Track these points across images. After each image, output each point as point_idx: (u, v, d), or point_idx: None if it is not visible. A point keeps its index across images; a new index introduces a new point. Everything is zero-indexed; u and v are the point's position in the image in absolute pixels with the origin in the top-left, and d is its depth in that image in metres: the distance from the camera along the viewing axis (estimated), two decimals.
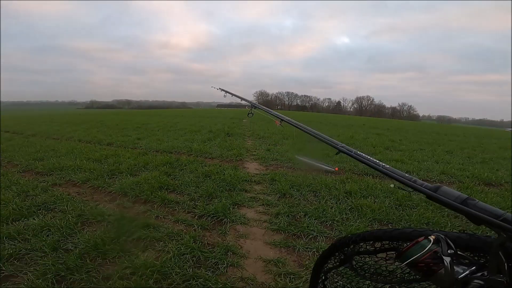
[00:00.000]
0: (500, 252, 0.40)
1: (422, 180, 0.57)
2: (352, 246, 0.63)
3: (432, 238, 0.43)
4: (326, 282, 0.72)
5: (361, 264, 0.64)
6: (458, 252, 0.43)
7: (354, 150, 0.72)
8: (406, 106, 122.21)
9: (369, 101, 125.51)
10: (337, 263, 0.67)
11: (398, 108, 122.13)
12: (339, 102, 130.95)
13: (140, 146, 6.38)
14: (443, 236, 0.44)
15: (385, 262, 0.59)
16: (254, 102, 1.52)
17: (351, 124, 16.30)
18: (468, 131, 20.45)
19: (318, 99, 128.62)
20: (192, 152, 5.60)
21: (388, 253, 0.57)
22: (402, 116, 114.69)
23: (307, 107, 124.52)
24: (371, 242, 0.60)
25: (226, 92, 1.95)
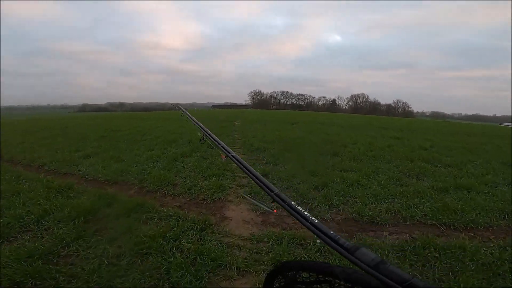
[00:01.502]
0: None
1: None
2: (293, 272, 0.63)
3: None
4: None
5: None
6: None
7: (288, 200, 0.68)
8: (401, 103, 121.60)
9: (364, 99, 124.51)
10: (282, 284, 0.68)
11: (393, 105, 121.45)
12: (334, 100, 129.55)
13: (78, 171, 4.33)
14: None
15: None
16: (206, 128, 1.34)
17: (357, 125, 14.38)
18: (476, 128, 18.70)
19: (313, 98, 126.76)
20: (146, 183, 3.57)
21: (322, 285, 0.58)
22: (397, 113, 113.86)
23: (302, 106, 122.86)
24: (307, 273, 0.60)
25: (183, 111, 1.88)
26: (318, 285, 0.59)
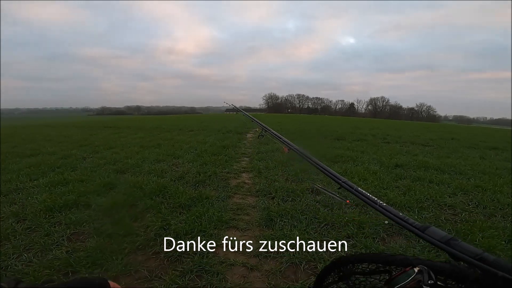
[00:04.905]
0: (474, 285, 0.44)
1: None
2: (350, 265, 0.62)
3: (416, 269, 0.47)
4: None
5: (357, 283, 0.63)
6: (438, 283, 0.46)
7: (355, 186, 0.72)
8: (425, 107, 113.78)
9: (384, 102, 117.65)
10: (336, 279, 0.67)
11: (417, 108, 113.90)
12: (352, 104, 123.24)
13: None
14: (426, 268, 0.47)
15: (379, 282, 0.59)
16: (265, 125, 1.38)
17: (440, 140, 9.40)
18: None
19: (330, 101, 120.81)
20: None
21: (381, 275, 0.58)
22: (421, 117, 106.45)
23: (318, 110, 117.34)
24: (367, 264, 0.59)
25: (238, 110, 2.08)
26: (378, 275, 0.59)
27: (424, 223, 0.53)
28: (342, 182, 0.74)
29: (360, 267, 0.60)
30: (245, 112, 1.88)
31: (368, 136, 9.02)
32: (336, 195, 0.79)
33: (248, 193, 3.00)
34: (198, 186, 3.20)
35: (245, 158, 4.95)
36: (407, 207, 2.70)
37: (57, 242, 2.08)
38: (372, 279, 0.59)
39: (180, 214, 2.45)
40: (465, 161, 5.31)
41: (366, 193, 0.68)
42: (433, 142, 8.28)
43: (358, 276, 0.61)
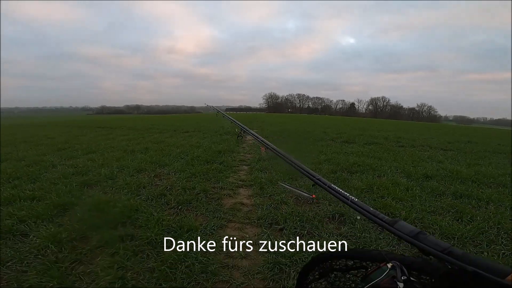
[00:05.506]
0: (445, 279, 0.44)
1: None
2: (329, 262, 0.64)
3: (390, 265, 0.47)
4: None
5: (337, 279, 0.64)
6: (411, 278, 0.45)
7: (328, 183, 0.73)
8: (426, 107, 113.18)
9: (385, 102, 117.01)
10: (317, 276, 0.67)
11: (417, 109, 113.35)
12: (353, 104, 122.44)
13: None
14: (398, 263, 0.46)
15: (356, 278, 0.60)
16: (244, 126, 1.43)
17: (431, 139, 8.61)
18: None
19: (330, 101, 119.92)
20: None
21: (358, 270, 0.58)
22: (422, 117, 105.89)
23: (318, 110, 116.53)
24: (344, 260, 0.61)
25: (218, 111, 2.29)
26: (356, 271, 0.58)
27: (393, 218, 0.53)
28: (316, 179, 0.75)
29: (338, 263, 0.61)
30: (224, 113, 2.09)
31: (379, 138, 8.24)
32: (303, 192, 0.82)
33: (247, 221, 2.23)
34: (181, 208, 2.44)
35: (243, 166, 4.19)
36: (471, 240, 1.94)
37: None
38: (350, 275, 0.59)
39: (147, 258, 1.70)
40: (498, 170, 4.56)
41: (339, 189, 0.68)
42: (451, 145, 7.52)
43: (337, 272, 0.62)
